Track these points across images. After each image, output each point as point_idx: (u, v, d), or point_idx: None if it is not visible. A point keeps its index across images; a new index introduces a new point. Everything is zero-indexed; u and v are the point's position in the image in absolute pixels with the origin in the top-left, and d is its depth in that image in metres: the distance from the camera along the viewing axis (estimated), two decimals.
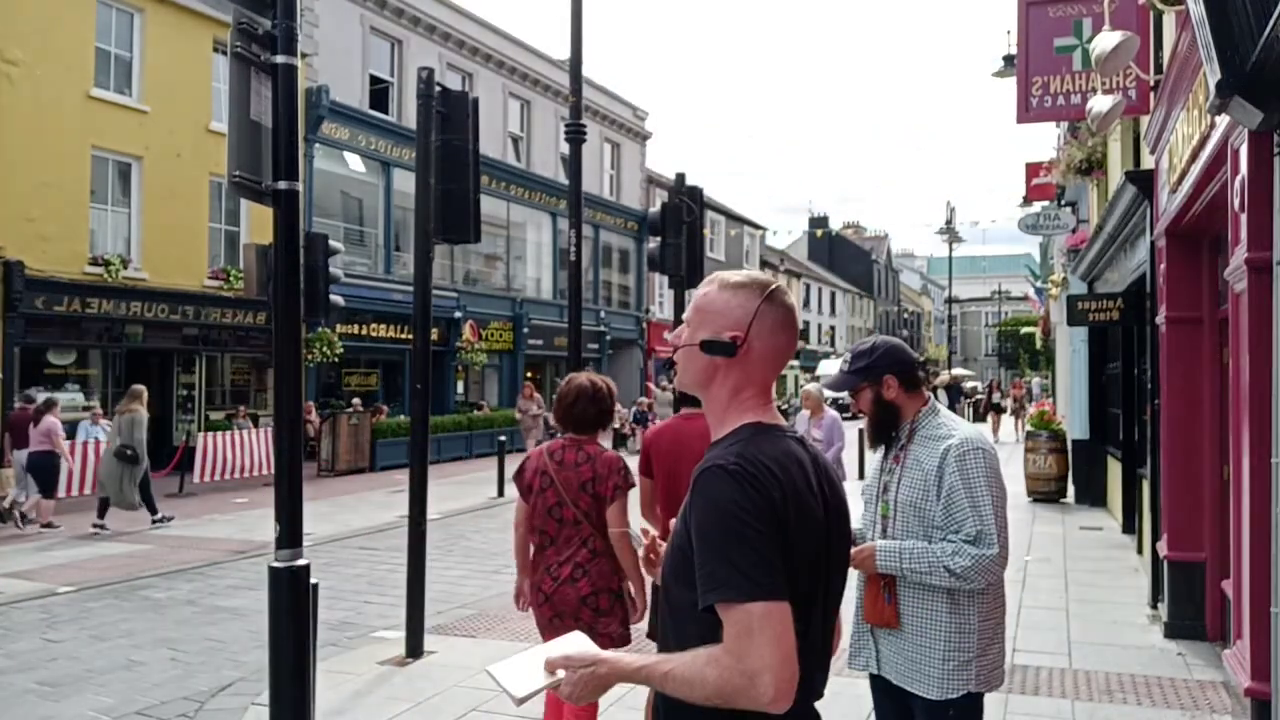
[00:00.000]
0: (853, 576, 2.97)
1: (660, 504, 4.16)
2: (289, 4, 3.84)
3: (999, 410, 26.97)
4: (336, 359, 18.96)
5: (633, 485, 3.86)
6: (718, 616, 1.46)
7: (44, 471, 11.75)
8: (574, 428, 3.92)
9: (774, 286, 1.72)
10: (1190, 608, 6.12)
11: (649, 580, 2.42)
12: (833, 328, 56.59)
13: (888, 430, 2.82)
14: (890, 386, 2.79)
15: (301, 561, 3.84)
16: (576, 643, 1.64)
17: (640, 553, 2.04)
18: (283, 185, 3.85)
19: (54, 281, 15.10)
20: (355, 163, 21.34)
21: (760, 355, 1.67)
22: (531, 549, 3.91)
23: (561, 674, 1.55)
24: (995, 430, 25.34)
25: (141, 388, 12.45)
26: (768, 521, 1.47)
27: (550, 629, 3.76)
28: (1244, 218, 4.15)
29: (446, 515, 12.36)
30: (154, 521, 11.92)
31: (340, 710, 5.08)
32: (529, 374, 27.62)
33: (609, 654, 1.57)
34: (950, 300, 50.44)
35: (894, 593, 2.72)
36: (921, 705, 2.71)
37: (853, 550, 2.71)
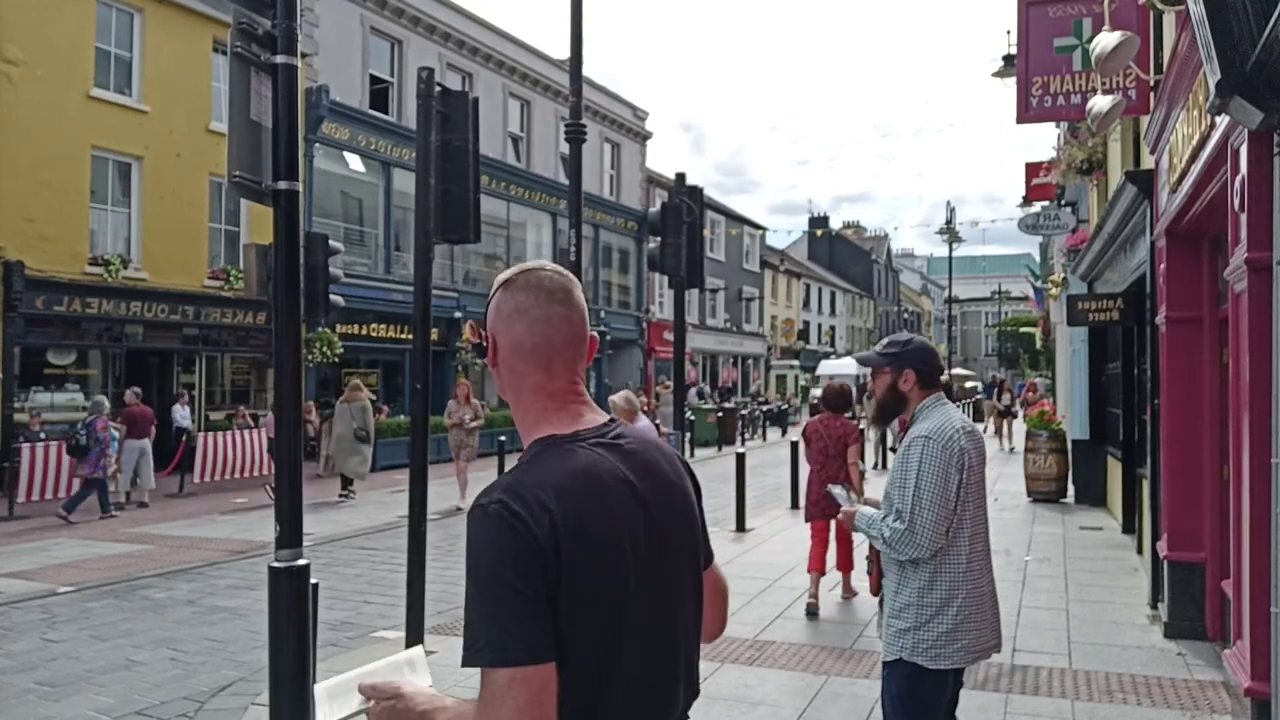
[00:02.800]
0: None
1: None
2: (289, 4, 3.83)
3: (1007, 414, 22.68)
4: (336, 359, 18.95)
5: (861, 439, 5.84)
6: None
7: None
8: (831, 409, 7.24)
9: (516, 273, 1.51)
10: (1190, 608, 6.11)
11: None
12: (833, 328, 56.56)
13: (890, 415, 3.16)
14: (908, 380, 3.07)
15: (301, 561, 3.84)
16: (400, 666, 1.61)
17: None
18: (283, 185, 3.85)
19: (54, 281, 15.09)
20: (355, 163, 21.34)
21: (509, 351, 1.48)
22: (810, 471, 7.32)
23: (372, 702, 1.50)
24: (1002, 435, 22.07)
25: (358, 379, 15.54)
26: (525, 571, 1.28)
27: (822, 515, 6.99)
28: (1244, 218, 4.15)
29: (446, 515, 12.36)
30: (341, 495, 14.04)
31: None
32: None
33: (408, 690, 1.46)
34: (950, 300, 50.39)
35: (877, 565, 3.13)
36: None
37: (847, 508, 3.24)
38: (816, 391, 38.35)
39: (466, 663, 1.31)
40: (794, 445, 13.46)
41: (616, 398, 7.84)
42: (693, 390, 28.12)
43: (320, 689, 1.57)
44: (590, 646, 1.33)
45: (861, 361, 3.22)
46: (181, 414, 16.69)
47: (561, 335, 1.48)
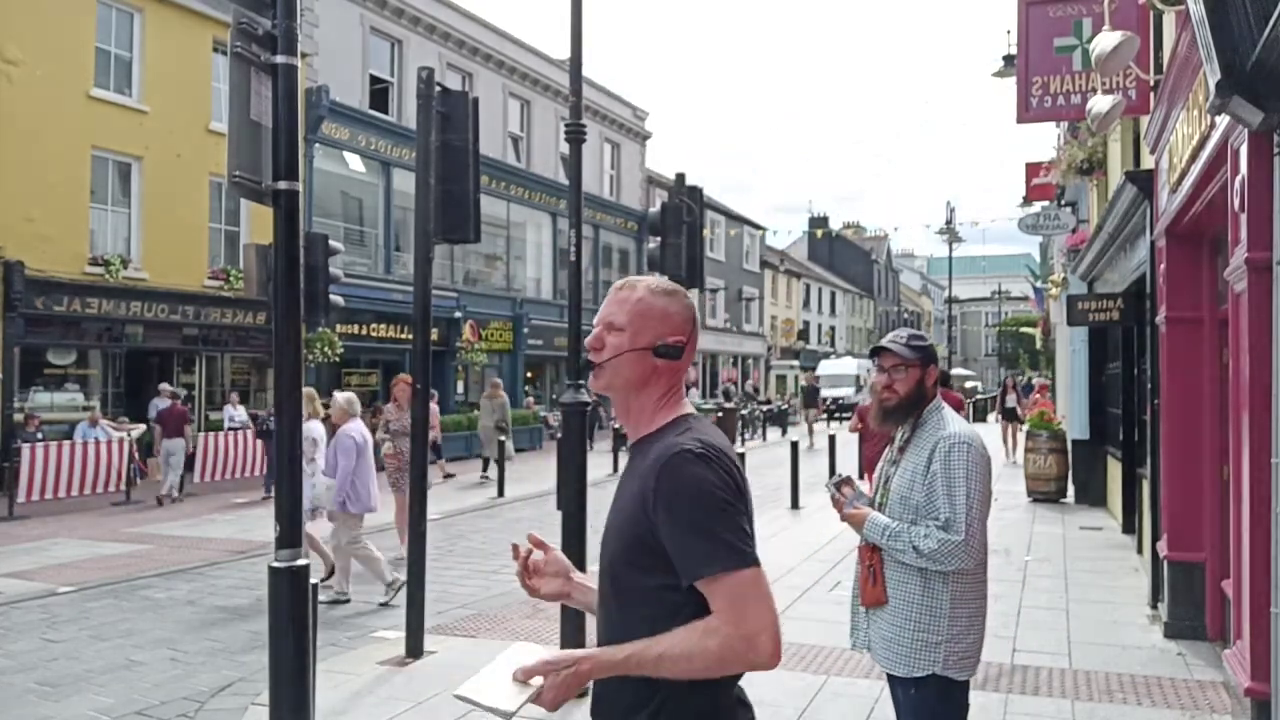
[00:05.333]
0: (854, 559, 3.16)
1: None
2: (289, 4, 3.83)
3: (1013, 418, 19.34)
4: (337, 359, 18.95)
5: None
6: (683, 595, 1.56)
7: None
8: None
9: (683, 291, 1.85)
10: (1190, 608, 6.11)
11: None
12: (833, 328, 56.57)
13: (907, 414, 3.00)
14: (931, 376, 3.01)
15: (301, 561, 3.84)
16: (533, 651, 1.62)
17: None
18: (283, 185, 3.85)
19: (54, 281, 15.10)
20: (355, 163, 21.34)
21: (688, 357, 1.79)
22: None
23: (538, 680, 1.56)
24: (1008, 445, 19.08)
25: (498, 379, 18.56)
26: (737, 496, 1.60)
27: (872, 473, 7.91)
28: (1244, 218, 4.15)
29: (446, 515, 12.36)
30: (483, 476, 16.39)
31: (340, 710, 5.08)
32: (528, 374, 27.60)
33: (588, 651, 1.62)
34: (950, 300, 50.40)
35: (879, 573, 2.91)
36: (894, 683, 2.90)
37: (850, 510, 3.04)
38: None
39: (707, 574, 1.54)
40: (794, 445, 13.51)
41: (339, 398, 7.88)
42: (694, 390, 28.20)
43: (472, 691, 1.55)
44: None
45: (892, 350, 3.00)
46: (232, 414, 16.88)
47: None
